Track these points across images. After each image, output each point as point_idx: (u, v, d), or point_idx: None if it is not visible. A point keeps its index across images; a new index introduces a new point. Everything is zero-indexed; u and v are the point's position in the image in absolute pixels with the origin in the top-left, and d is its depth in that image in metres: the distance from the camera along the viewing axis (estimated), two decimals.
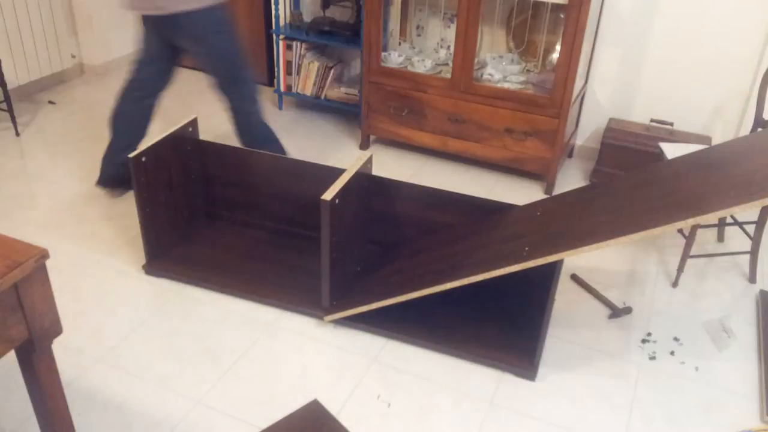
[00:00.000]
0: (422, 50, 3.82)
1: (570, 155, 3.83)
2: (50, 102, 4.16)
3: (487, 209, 2.49)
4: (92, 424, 2.04)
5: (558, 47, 3.39)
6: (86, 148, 3.66)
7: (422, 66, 3.55)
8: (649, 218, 1.96)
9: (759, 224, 2.77)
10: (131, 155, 2.45)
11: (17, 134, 3.75)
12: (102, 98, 4.27)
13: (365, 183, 2.53)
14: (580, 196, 2.42)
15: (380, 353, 2.36)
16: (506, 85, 3.39)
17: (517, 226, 2.32)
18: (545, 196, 3.36)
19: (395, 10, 3.78)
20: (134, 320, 2.46)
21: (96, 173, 3.41)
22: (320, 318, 2.49)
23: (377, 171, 2.59)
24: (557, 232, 2.14)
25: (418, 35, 3.88)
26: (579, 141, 3.81)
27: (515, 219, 2.38)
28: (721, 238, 3.12)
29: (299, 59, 4.02)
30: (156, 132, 3.74)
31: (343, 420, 2.09)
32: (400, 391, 2.21)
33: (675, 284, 2.79)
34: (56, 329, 1.55)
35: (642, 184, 2.26)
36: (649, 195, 2.14)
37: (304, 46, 4.00)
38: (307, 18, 4.06)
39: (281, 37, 4.01)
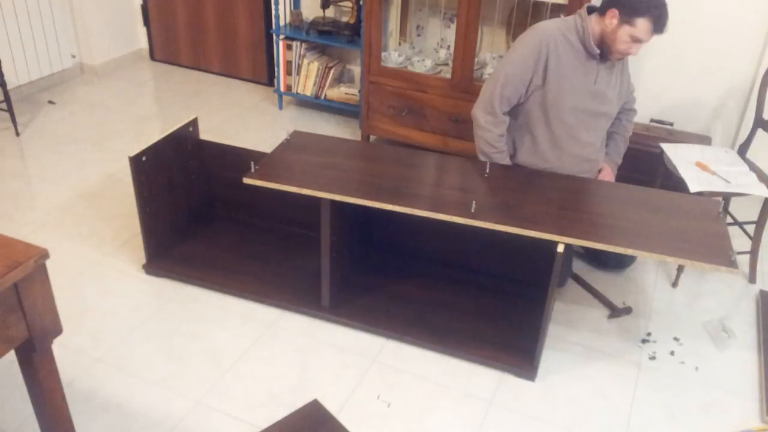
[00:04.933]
0: (422, 50, 3.82)
1: None
2: (50, 102, 4.16)
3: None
4: (92, 424, 2.04)
5: None
6: (86, 148, 3.66)
7: (422, 66, 3.55)
8: (589, 230, 2.10)
9: (759, 224, 2.77)
10: (131, 155, 2.45)
11: (17, 134, 3.75)
12: (102, 98, 4.27)
13: None
14: (529, 179, 2.42)
15: (380, 353, 2.36)
16: None
17: (464, 177, 2.38)
18: None
19: (395, 10, 3.78)
20: (134, 320, 2.46)
21: (94, 173, 3.41)
22: (320, 318, 2.49)
23: None
24: (505, 204, 2.20)
25: (418, 35, 3.88)
26: None
27: (462, 169, 2.46)
28: None
29: (299, 59, 4.02)
30: (156, 132, 3.75)
31: (343, 420, 2.09)
32: (400, 391, 2.21)
33: (675, 284, 2.79)
34: (56, 329, 1.55)
35: (592, 196, 2.35)
36: (595, 210, 2.24)
37: (304, 46, 4.00)
38: (307, 18, 4.07)
39: (281, 37, 4.00)
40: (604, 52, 2.39)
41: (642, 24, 2.31)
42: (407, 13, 3.81)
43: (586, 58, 2.41)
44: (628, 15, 2.31)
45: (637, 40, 2.35)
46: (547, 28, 2.40)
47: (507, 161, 2.50)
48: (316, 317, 2.50)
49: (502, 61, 2.45)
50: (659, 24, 2.34)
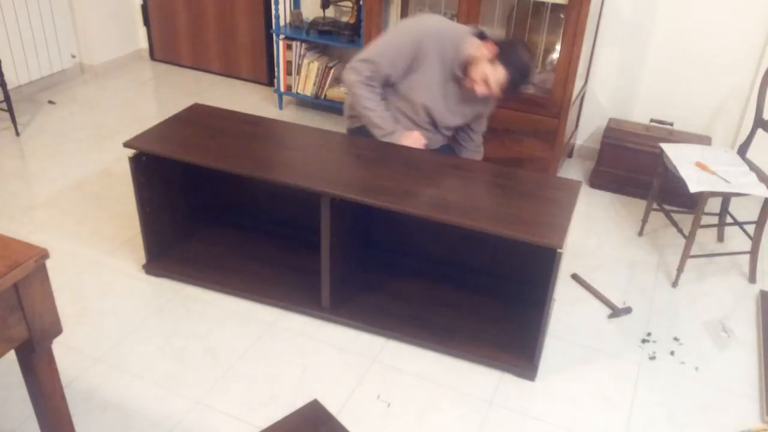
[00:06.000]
0: None
1: (570, 155, 3.83)
2: (50, 102, 4.16)
3: None
4: (92, 424, 2.04)
5: (558, 47, 3.38)
6: (86, 148, 3.66)
7: None
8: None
9: (759, 224, 2.77)
10: (131, 155, 2.45)
11: (17, 134, 3.75)
12: (102, 98, 4.27)
13: None
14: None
15: (380, 353, 2.36)
16: None
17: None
18: None
19: (395, 10, 3.77)
20: (134, 320, 2.46)
21: (94, 173, 3.41)
22: (320, 318, 2.49)
23: None
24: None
25: None
26: (579, 141, 3.82)
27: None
28: (721, 238, 3.12)
29: (299, 59, 4.02)
30: None
31: (343, 420, 2.09)
32: (400, 391, 2.21)
33: (675, 284, 2.79)
34: (56, 329, 1.55)
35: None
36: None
37: (304, 46, 4.00)
38: (307, 18, 4.06)
39: (281, 37, 4.00)
40: (460, 77, 2.49)
41: (500, 72, 2.38)
42: (407, 13, 3.81)
43: (448, 76, 2.51)
44: (498, 57, 2.38)
45: (486, 84, 2.41)
46: (427, 31, 2.46)
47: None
48: (316, 317, 2.50)
49: (379, 41, 2.52)
50: (511, 85, 2.41)
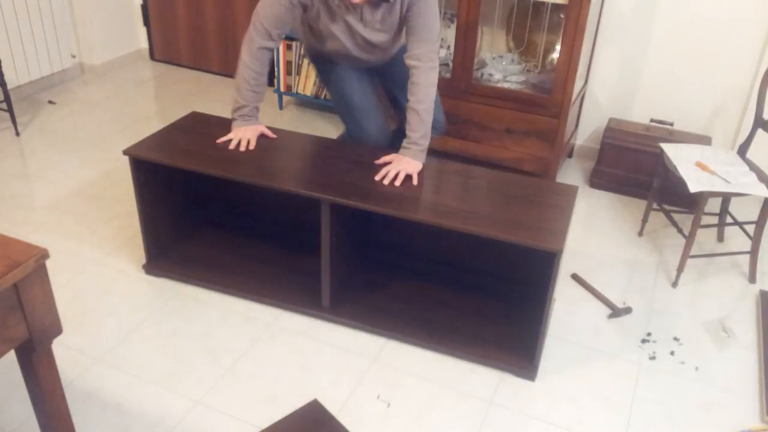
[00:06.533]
0: None
1: (570, 155, 3.83)
2: (50, 102, 4.16)
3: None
4: (92, 424, 2.04)
5: (558, 47, 3.39)
6: (86, 147, 3.66)
7: None
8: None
9: (759, 224, 2.77)
10: (130, 155, 2.45)
11: (17, 134, 3.75)
12: (102, 98, 4.27)
13: None
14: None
15: (380, 353, 2.36)
16: (506, 85, 3.39)
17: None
18: None
19: None
20: (134, 320, 2.46)
21: (94, 173, 3.41)
22: (320, 318, 2.49)
23: None
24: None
25: None
26: (579, 141, 3.82)
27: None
28: (721, 238, 3.12)
29: (299, 59, 4.02)
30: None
31: (343, 420, 2.09)
32: (400, 391, 2.21)
33: (675, 284, 2.79)
34: (56, 329, 1.55)
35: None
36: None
37: (304, 45, 3.99)
38: None
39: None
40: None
41: None
42: None
43: (335, 8, 2.48)
44: None
45: None
46: None
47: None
48: (316, 317, 2.50)
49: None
50: None
